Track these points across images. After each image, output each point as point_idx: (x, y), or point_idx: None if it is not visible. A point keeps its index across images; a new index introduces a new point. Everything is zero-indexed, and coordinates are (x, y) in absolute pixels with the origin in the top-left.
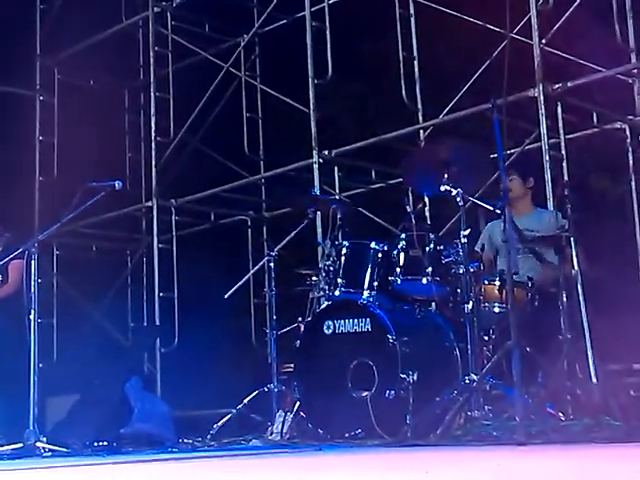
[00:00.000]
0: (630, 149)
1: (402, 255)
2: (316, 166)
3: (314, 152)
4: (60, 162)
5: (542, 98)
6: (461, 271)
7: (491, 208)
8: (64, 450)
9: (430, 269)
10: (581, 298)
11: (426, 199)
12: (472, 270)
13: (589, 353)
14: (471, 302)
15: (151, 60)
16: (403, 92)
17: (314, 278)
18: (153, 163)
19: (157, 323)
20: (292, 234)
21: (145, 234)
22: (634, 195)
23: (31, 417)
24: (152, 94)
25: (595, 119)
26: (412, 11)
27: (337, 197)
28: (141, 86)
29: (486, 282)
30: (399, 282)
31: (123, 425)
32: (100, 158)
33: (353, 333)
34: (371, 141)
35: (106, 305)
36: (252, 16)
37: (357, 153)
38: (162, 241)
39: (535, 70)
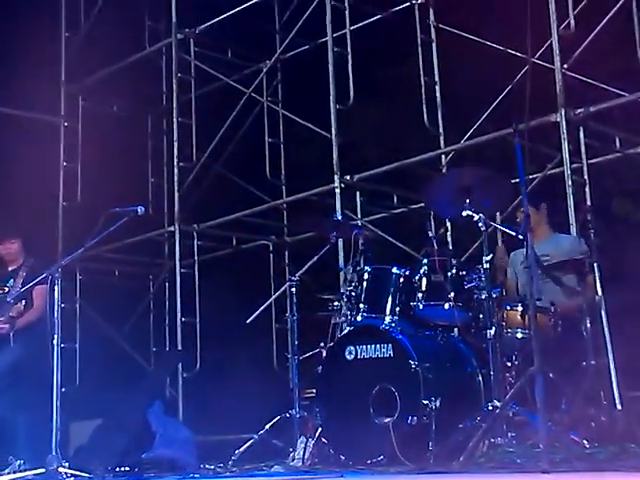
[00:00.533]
0: None
1: (424, 280)
2: (338, 191)
3: (336, 177)
4: (84, 188)
5: (564, 123)
6: (483, 297)
7: (513, 234)
8: (86, 475)
9: (452, 294)
10: (605, 323)
11: (448, 224)
12: (494, 296)
13: (613, 379)
14: (494, 328)
15: (174, 86)
16: (425, 117)
17: (336, 303)
18: (175, 188)
19: (179, 348)
20: (314, 259)
21: (167, 259)
22: None
23: (54, 442)
24: (175, 120)
25: (618, 143)
26: (433, 36)
27: (359, 222)
28: (164, 112)
29: (508, 308)
30: (421, 307)
31: (145, 450)
32: (123, 183)
33: (375, 359)
34: (393, 166)
35: (128, 330)
36: (274, 42)
37: (379, 178)
38: (184, 266)
39: (557, 95)
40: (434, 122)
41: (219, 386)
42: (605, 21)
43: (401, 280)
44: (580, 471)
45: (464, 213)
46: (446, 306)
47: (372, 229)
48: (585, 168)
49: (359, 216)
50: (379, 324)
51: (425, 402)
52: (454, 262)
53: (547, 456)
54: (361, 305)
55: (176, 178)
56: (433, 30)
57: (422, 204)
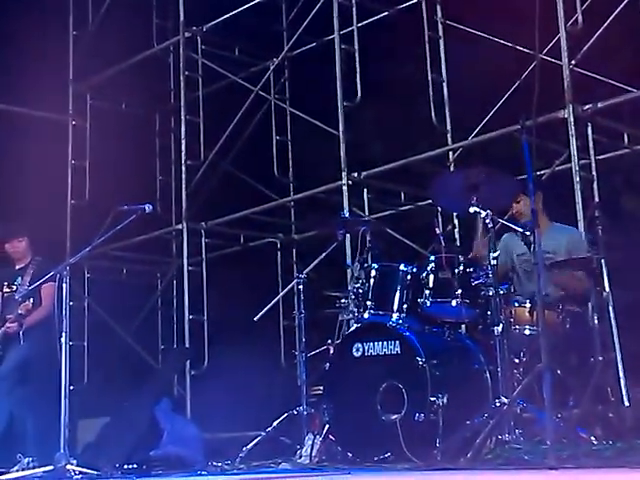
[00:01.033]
0: None
1: (431, 277)
2: (345, 188)
3: (343, 174)
4: (92, 186)
5: (572, 119)
6: (491, 293)
7: (521, 230)
8: (94, 473)
9: (460, 291)
10: (613, 320)
11: (455, 221)
12: (502, 292)
13: (621, 376)
14: (501, 324)
15: (182, 84)
16: (432, 114)
17: (343, 300)
18: (183, 186)
19: (187, 345)
20: (321, 256)
21: (175, 257)
22: None
23: (62, 440)
24: (183, 118)
25: (626, 139)
26: (441, 33)
27: (366, 219)
28: (172, 110)
29: (516, 304)
30: (428, 304)
31: (153, 447)
32: (131, 181)
33: (382, 356)
34: (400, 163)
35: (136, 327)
36: (281, 39)
37: (386, 175)
38: (192, 264)
39: (565, 91)
40: (441, 119)
41: (227, 383)
42: (613, 17)
43: (408, 277)
44: (587, 468)
45: (471, 210)
46: (453, 303)
47: (380, 226)
48: (593, 164)
49: (366, 213)
50: (386, 321)
51: (432, 399)
52: (461, 259)
53: (554, 453)
54: (368, 302)
55: (184, 176)
56: (440, 26)
57: (429, 201)
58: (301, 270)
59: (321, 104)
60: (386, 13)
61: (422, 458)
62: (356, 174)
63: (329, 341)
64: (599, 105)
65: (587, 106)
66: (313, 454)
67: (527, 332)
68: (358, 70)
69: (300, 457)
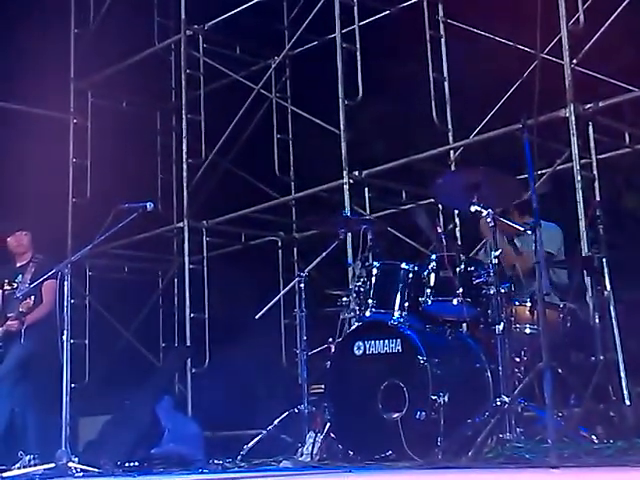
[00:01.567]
0: None
1: (433, 276)
2: (346, 187)
3: (344, 173)
4: (93, 184)
5: (573, 118)
6: (492, 292)
7: (521, 228)
8: (95, 470)
9: (461, 290)
10: (614, 319)
11: (457, 220)
12: (503, 291)
13: (622, 375)
14: (502, 323)
15: (183, 82)
16: (433, 113)
17: (344, 299)
18: (184, 184)
19: (188, 344)
20: (323, 255)
21: (176, 255)
22: None
23: (63, 437)
24: (184, 116)
25: (627, 139)
26: (442, 32)
27: (368, 218)
28: (173, 108)
29: (517, 303)
30: (430, 303)
31: (154, 445)
32: (132, 180)
33: (384, 354)
34: (401, 162)
35: (137, 326)
36: (283, 38)
37: (388, 174)
38: (193, 262)
39: (566, 90)
40: (443, 118)
41: (228, 381)
42: (614, 16)
43: (410, 276)
44: (588, 466)
45: (472, 208)
46: (455, 302)
47: (381, 224)
48: (594, 163)
49: (368, 212)
50: (388, 319)
51: (433, 397)
52: (463, 258)
53: (556, 451)
54: (370, 300)
55: (185, 174)
56: (442, 25)
57: (431, 200)
58: (302, 269)
59: (322, 103)
60: (387, 12)
61: (423, 457)
62: (357, 173)
63: (330, 339)
64: (600, 104)
65: (588, 105)
66: (314, 452)
67: (528, 331)
68: (359, 69)
69: (301, 455)
